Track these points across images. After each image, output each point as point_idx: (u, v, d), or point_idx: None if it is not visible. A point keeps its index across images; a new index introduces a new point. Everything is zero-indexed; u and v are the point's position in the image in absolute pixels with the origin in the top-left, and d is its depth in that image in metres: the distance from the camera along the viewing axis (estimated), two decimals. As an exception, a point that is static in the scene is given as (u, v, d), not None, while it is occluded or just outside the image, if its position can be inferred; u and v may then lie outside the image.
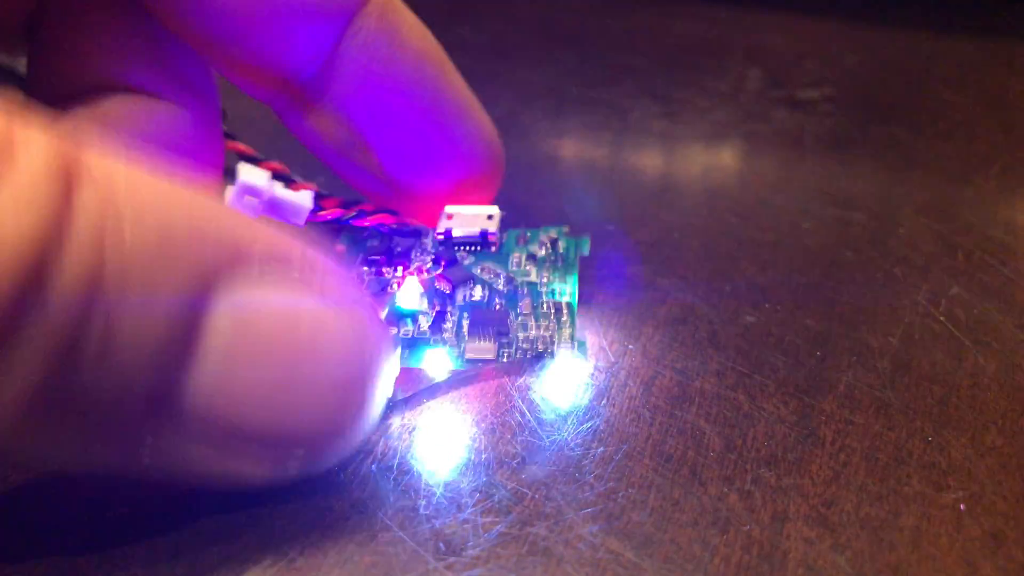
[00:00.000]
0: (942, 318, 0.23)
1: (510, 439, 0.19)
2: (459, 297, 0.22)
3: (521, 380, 0.21)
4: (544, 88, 0.34)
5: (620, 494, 0.18)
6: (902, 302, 0.24)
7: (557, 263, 0.23)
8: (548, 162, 0.31)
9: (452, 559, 0.17)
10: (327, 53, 0.22)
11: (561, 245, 0.24)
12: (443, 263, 0.23)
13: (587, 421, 0.20)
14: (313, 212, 0.22)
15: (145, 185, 0.14)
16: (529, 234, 0.24)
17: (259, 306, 0.15)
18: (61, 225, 0.12)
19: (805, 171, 0.29)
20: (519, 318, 0.22)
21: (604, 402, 0.20)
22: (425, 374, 0.21)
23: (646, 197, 0.28)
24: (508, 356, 0.21)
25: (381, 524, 0.18)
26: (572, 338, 0.21)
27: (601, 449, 0.19)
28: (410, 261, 0.23)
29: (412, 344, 0.21)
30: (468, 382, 0.21)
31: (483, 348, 0.21)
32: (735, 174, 0.30)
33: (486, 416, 0.20)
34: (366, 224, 0.24)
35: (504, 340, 0.21)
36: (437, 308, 0.22)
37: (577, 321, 0.22)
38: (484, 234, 0.24)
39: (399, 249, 0.24)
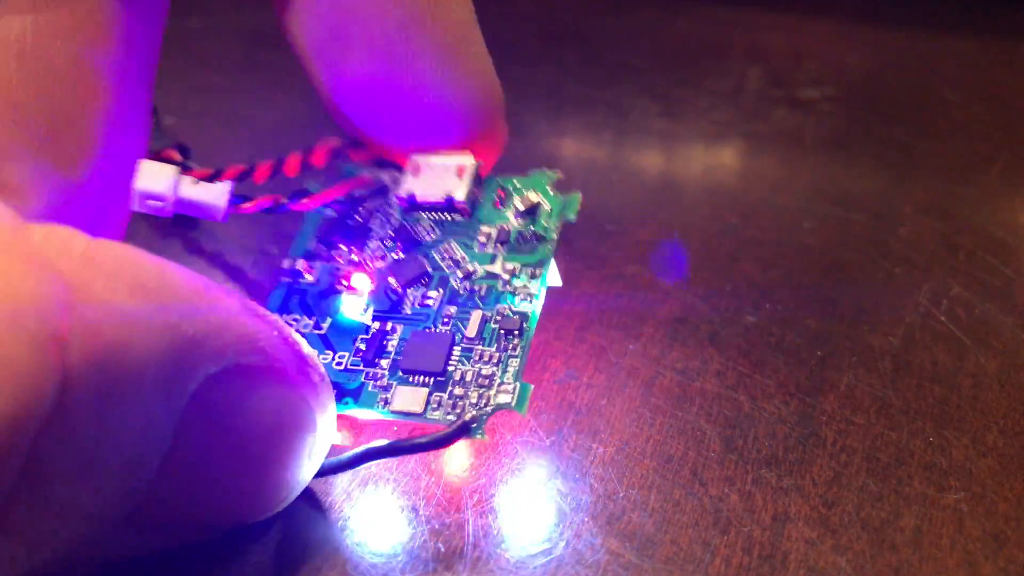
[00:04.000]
0: (943, 318, 0.23)
1: (510, 439, 0.19)
2: (406, 305, 0.20)
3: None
4: (544, 88, 0.34)
5: (620, 494, 0.18)
6: (903, 302, 0.23)
7: (532, 241, 0.20)
8: (548, 162, 0.31)
9: (452, 559, 0.17)
10: None
11: (542, 213, 0.20)
12: (400, 245, 0.20)
13: (587, 421, 0.20)
14: (234, 205, 0.19)
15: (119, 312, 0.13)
16: (510, 187, 0.21)
17: (226, 399, 0.14)
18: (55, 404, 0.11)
19: (806, 171, 0.29)
20: (461, 343, 0.19)
21: (604, 402, 0.20)
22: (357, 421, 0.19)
23: (646, 197, 0.28)
24: (433, 413, 0.18)
25: (381, 525, 0.18)
26: (516, 378, 0.18)
27: (601, 449, 0.19)
28: (367, 240, 0.20)
29: (341, 385, 0.19)
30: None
31: (411, 398, 0.18)
32: (735, 174, 0.30)
33: (486, 416, 0.20)
34: (307, 208, 0.20)
35: (440, 379, 0.18)
36: (377, 327, 0.19)
37: (532, 341, 0.19)
38: (450, 201, 0.20)
39: (357, 221, 0.20)
